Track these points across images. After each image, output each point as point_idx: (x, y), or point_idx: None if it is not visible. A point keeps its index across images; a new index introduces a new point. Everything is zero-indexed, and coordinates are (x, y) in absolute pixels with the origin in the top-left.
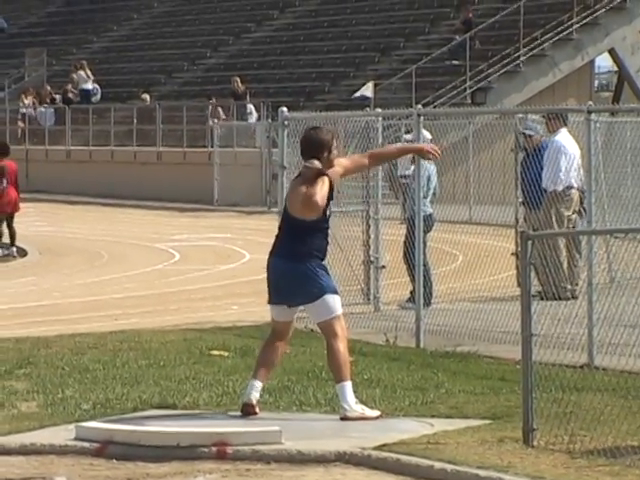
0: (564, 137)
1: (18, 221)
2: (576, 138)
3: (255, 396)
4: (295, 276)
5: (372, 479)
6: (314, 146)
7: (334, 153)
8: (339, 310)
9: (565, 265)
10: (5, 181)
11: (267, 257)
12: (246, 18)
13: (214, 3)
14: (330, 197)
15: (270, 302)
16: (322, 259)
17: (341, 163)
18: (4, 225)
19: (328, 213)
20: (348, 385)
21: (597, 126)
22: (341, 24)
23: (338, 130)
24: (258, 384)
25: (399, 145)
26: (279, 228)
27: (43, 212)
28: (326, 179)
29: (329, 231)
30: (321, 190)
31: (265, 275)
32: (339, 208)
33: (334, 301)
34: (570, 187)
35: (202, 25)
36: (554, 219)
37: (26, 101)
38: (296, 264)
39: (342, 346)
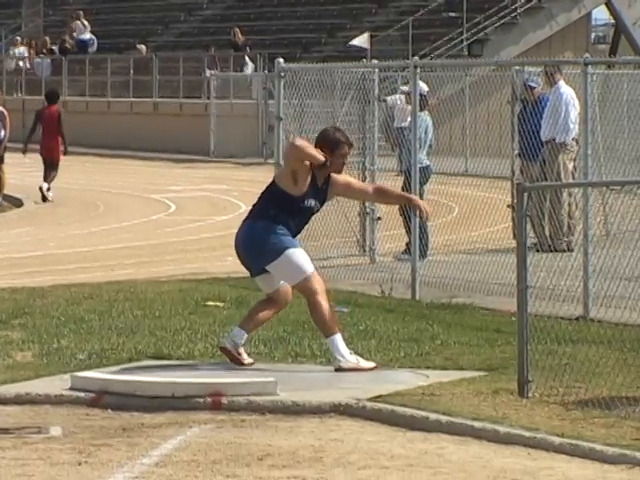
0: (568, 89)
1: (12, 171)
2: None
3: (231, 343)
4: (250, 235)
5: (367, 430)
6: (328, 142)
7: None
8: (310, 268)
9: (565, 218)
10: (41, 127)
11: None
12: None
13: None
14: (324, 195)
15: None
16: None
17: (348, 179)
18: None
19: (308, 203)
20: (337, 337)
21: (594, 78)
22: None
23: (335, 82)
24: (240, 332)
25: (402, 193)
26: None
27: (39, 162)
28: (322, 158)
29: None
30: (312, 150)
31: None
32: None
33: (298, 257)
34: (574, 138)
35: None
36: (561, 170)
37: (17, 50)
38: (252, 223)
39: (323, 301)
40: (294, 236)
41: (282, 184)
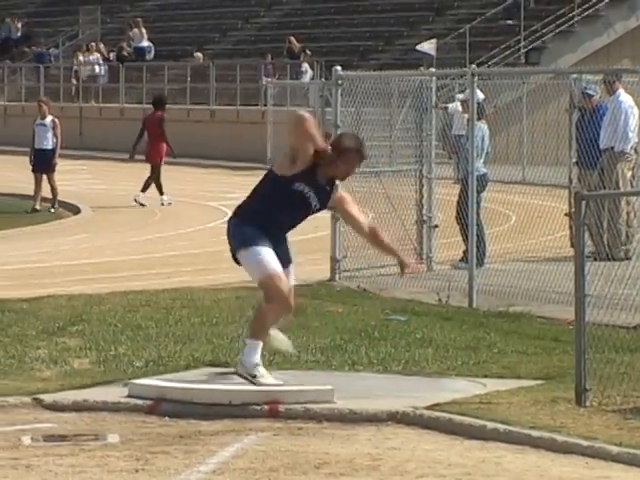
0: (627, 97)
1: (69, 178)
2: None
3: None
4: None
5: (424, 439)
6: (339, 145)
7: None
8: (268, 269)
9: (623, 226)
10: (146, 133)
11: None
12: None
13: None
14: (326, 196)
15: None
16: (256, 224)
17: (344, 196)
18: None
19: (299, 187)
20: (256, 344)
21: None
22: None
23: (392, 90)
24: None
25: (394, 248)
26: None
27: (96, 170)
28: (322, 144)
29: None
30: (316, 130)
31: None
32: (392, 167)
33: (252, 255)
34: (632, 147)
35: None
36: (620, 178)
37: (91, 57)
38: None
39: (270, 312)
40: (287, 231)
41: (276, 167)
